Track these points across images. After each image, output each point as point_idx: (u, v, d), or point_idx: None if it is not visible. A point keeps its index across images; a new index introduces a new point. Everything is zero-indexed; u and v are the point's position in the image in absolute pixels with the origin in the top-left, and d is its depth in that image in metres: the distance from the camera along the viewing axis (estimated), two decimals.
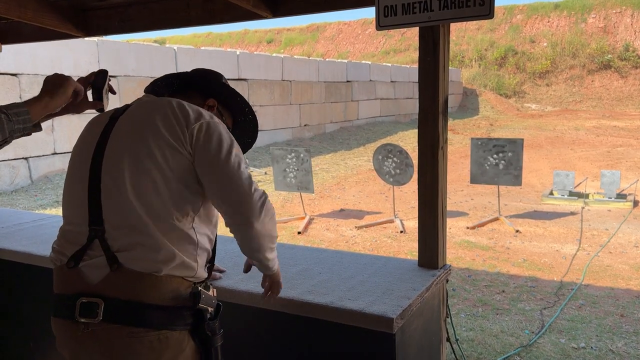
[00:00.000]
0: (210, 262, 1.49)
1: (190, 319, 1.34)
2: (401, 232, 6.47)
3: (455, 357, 2.77)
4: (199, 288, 1.37)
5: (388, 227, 6.78)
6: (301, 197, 7.50)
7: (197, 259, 1.38)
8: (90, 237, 1.31)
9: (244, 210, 1.35)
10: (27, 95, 8.67)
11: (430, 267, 2.09)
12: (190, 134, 1.34)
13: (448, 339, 2.41)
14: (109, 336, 1.26)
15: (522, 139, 6.56)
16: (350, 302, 1.77)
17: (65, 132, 9.14)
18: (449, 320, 2.24)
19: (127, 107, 1.46)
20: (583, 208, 7.65)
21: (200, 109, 1.42)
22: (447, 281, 2.17)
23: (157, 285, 1.29)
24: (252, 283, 1.97)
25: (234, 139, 1.43)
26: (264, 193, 1.44)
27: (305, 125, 15.40)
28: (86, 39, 9.88)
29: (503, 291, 4.53)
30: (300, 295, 1.85)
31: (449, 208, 7.73)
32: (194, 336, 1.35)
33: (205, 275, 1.44)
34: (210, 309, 1.40)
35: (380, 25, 2.10)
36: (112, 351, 1.27)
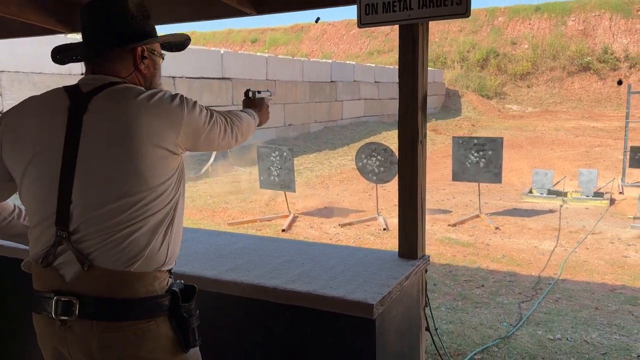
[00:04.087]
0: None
1: (167, 304, 1.37)
2: (384, 229, 6.55)
3: (435, 347, 2.84)
4: (174, 288, 1.40)
5: (371, 225, 6.85)
6: (285, 195, 7.54)
7: (170, 249, 1.41)
8: (58, 237, 1.32)
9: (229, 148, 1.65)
10: (8, 93, 8.58)
11: (410, 258, 2.15)
12: (180, 132, 1.38)
13: (427, 329, 2.48)
14: (86, 332, 1.30)
15: (502, 138, 6.70)
16: (332, 290, 1.83)
17: None
18: (428, 309, 2.31)
19: (82, 98, 1.36)
20: (561, 206, 7.81)
21: (168, 95, 1.39)
22: (426, 271, 2.24)
23: (130, 281, 1.31)
24: (237, 273, 2.02)
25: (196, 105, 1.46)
26: (230, 124, 1.57)
27: (289, 125, 15.44)
28: (69, 35, 9.81)
29: (482, 286, 4.63)
30: (284, 284, 1.90)
31: (431, 206, 7.87)
32: (172, 320, 1.37)
33: (173, 265, 1.46)
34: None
35: (362, 23, 2.16)
36: (91, 346, 1.30)
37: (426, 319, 2.35)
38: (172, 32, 1.59)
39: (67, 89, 1.41)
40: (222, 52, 12.84)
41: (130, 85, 1.40)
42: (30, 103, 1.43)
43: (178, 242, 1.45)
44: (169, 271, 1.42)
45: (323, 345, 1.84)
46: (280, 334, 1.94)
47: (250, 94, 1.95)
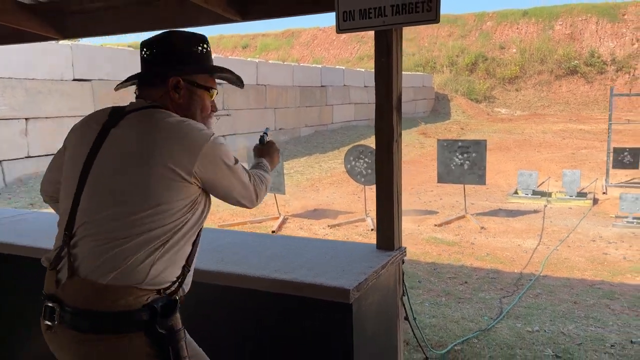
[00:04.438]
0: (183, 273, 1.47)
1: (143, 320, 1.34)
2: (372, 230, 6.69)
3: (416, 338, 2.97)
4: (154, 304, 1.35)
5: (360, 226, 6.99)
6: (275, 197, 7.66)
7: (155, 269, 1.37)
8: (64, 240, 1.40)
9: (247, 206, 1.63)
10: (0, 99, 8.66)
11: (387, 249, 2.29)
12: (196, 161, 1.39)
13: (406, 318, 2.61)
14: (65, 340, 1.37)
15: (485, 140, 6.86)
16: (312, 278, 1.96)
17: (39, 135, 9.14)
18: (406, 299, 2.45)
19: (118, 115, 1.48)
20: (546, 206, 7.99)
21: (199, 130, 1.43)
22: (403, 262, 2.37)
23: (103, 293, 1.32)
24: (223, 264, 2.15)
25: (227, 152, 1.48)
26: (253, 181, 1.59)
27: (280, 129, 15.57)
28: (60, 42, 9.90)
29: (466, 282, 4.78)
30: (269, 274, 2.03)
31: (418, 207, 8.01)
32: (149, 337, 1.34)
33: (166, 285, 1.40)
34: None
35: (340, 28, 2.31)
36: (70, 352, 1.39)
37: (404, 308, 2.48)
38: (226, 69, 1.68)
39: (113, 107, 1.54)
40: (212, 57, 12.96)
41: (164, 110, 1.48)
42: (84, 117, 1.58)
43: (172, 266, 1.41)
44: (159, 292, 1.38)
45: (304, 329, 1.97)
46: (265, 320, 2.07)
47: (265, 139, 2.01)
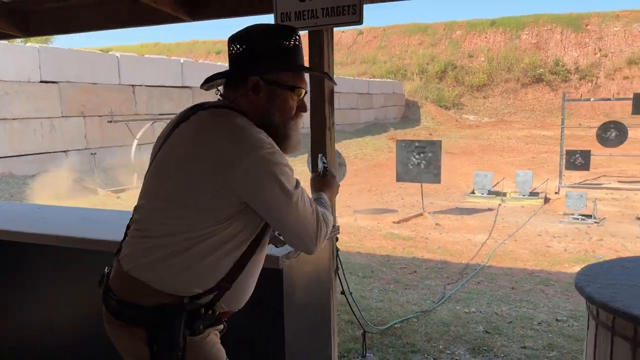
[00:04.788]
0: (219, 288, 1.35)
1: (147, 318, 1.31)
2: (333, 226, 6.94)
3: (354, 315, 3.23)
4: (162, 307, 1.30)
5: None
6: None
7: (166, 273, 1.31)
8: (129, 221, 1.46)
9: (304, 248, 1.41)
10: None
11: None
12: (235, 170, 1.26)
13: (342, 293, 2.87)
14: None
15: (440, 141, 7.22)
16: None
17: (6, 136, 9.17)
18: (340, 272, 2.70)
19: (192, 111, 1.42)
20: (500, 205, 8.38)
21: (251, 140, 1.28)
22: (337, 239, 2.63)
23: (122, 281, 1.36)
24: None
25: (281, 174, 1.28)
26: (316, 217, 1.37)
27: None
28: (28, 45, 9.97)
29: (415, 272, 5.07)
30: None
31: (380, 206, 8.32)
32: (148, 335, 1.30)
33: (192, 294, 1.32)
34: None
35: None
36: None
37: (340, 282, 2.74)
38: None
39: (199, 103, 1.47)
40: (182, 61, 13.13)
41: (234, 112, 1.36)
42: None
43: (197, 277, 1.32)
44: (180, 298, 1.30)
45: None
46: None
47: (327, 171, 1.74)
